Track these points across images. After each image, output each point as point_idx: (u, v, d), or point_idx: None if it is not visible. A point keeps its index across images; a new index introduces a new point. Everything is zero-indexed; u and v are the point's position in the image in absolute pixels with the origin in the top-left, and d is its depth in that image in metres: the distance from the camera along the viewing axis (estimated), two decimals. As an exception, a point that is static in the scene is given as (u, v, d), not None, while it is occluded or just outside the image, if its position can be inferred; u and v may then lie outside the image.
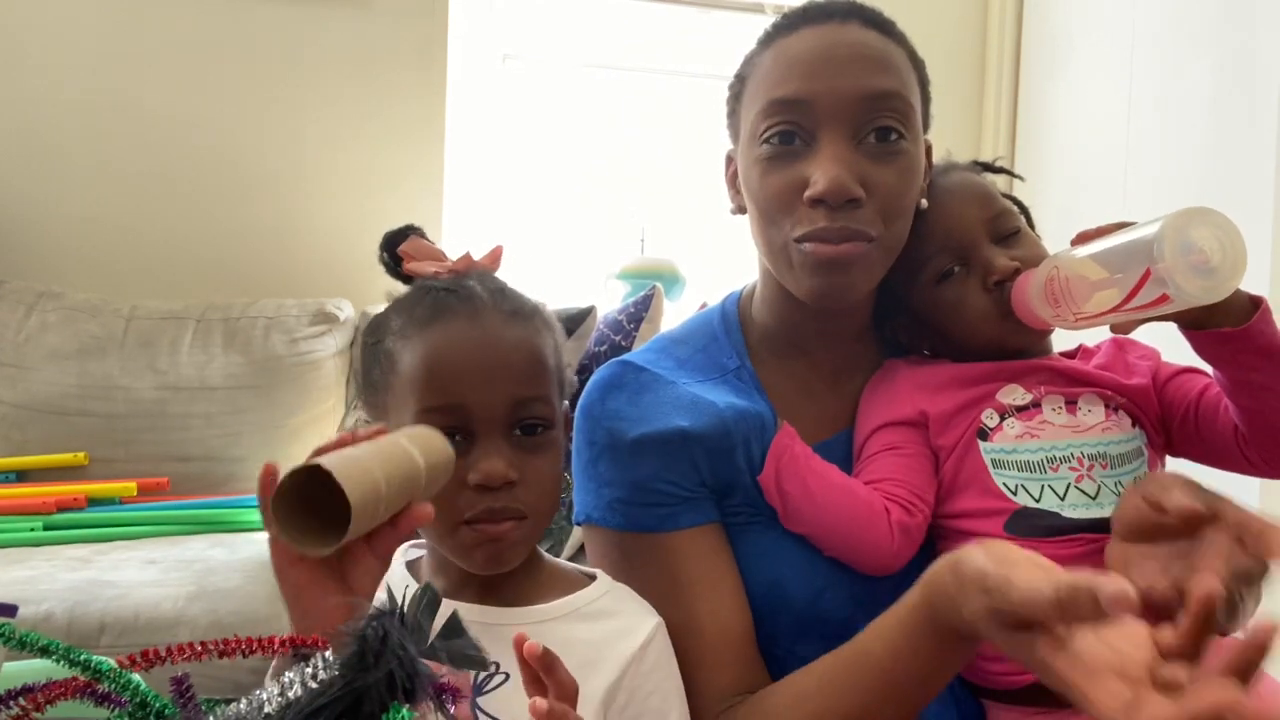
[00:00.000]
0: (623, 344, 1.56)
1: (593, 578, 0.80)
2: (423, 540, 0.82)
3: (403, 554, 0.82)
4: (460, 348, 0.73)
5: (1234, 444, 0.81)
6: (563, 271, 2.46)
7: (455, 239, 2.30)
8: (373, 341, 0.79)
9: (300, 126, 2.21)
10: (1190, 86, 1.93)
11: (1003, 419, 0.82)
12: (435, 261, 0.80)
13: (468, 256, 0.81)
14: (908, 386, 0.86)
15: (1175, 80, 1.98)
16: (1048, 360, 0.86)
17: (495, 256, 0.82)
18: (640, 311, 1.60)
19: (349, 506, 0.53)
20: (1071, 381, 0.83)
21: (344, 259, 2.21)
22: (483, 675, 0.73)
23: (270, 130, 2.20)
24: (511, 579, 0.76)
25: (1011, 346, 0.85)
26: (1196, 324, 0.74)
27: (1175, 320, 0.76)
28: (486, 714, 0.72)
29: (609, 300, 2.14)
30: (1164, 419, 0.85)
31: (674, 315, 1.86)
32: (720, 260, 2.48)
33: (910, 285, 0.87)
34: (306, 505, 0.56)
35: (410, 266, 0.80)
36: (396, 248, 0.81)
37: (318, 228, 2.22)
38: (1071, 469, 0.79)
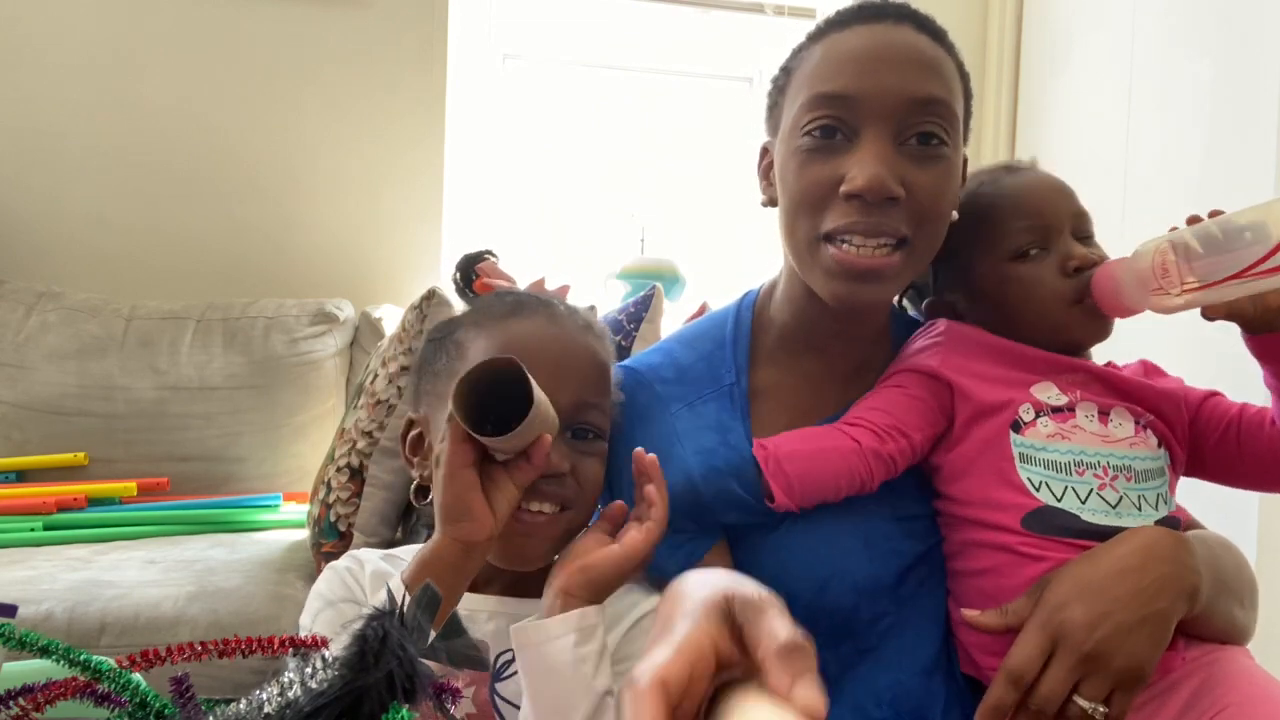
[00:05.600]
0: (623, 344, 1.56)
1: None
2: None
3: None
4: (537, 340, 0.76)
5: (1273, 458, 0.82)
6: (563, 271, 2.46)
7: (455, 239, 2.30)
8: (440, 336, 0.81)
9: (300, 126, 2.21)
10: (1190, 86, 1.93)
11: (1038, 416, 0.82)
12: (507, 283, 0.86)
13: (541, 281, 0.87)
14: (947, 343, 0.86)
15: (1175, 80, 1.98)
16: (1087, 363, 0.86)
17: (563, 292, 0.87)
18: (640, 311, 1.60)
19: (520, 412, 0.62)
20: (1107, 390, 0.84)
21: (344, 259, 2.21)
22: (501, 661, 0.74)
23: (271, 130, 2.20)
24: (536, 572, 0.77)
25: (1068, 337, 0.85)
26: (1268, 326, 0.76)
27: (1242, 324, 0.76)
28: (505, 699, 0.73)
29: (609, 300, 2.14)
30: (1195, 440, 0.85)
31: (674, 315, 1.86)
32: (720, 260, 2.48)
33: (979, 257, 0.88)
34: (480, 412, 0.64)
35: (484, 282, 0.84)
36: (470, 268, 0.86)
37: (318, 228, 2.22)
38: (1096, 476, 0.79)
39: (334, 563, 0.81)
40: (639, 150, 2.61)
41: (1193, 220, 0.76)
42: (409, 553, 0.81)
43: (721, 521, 0.84)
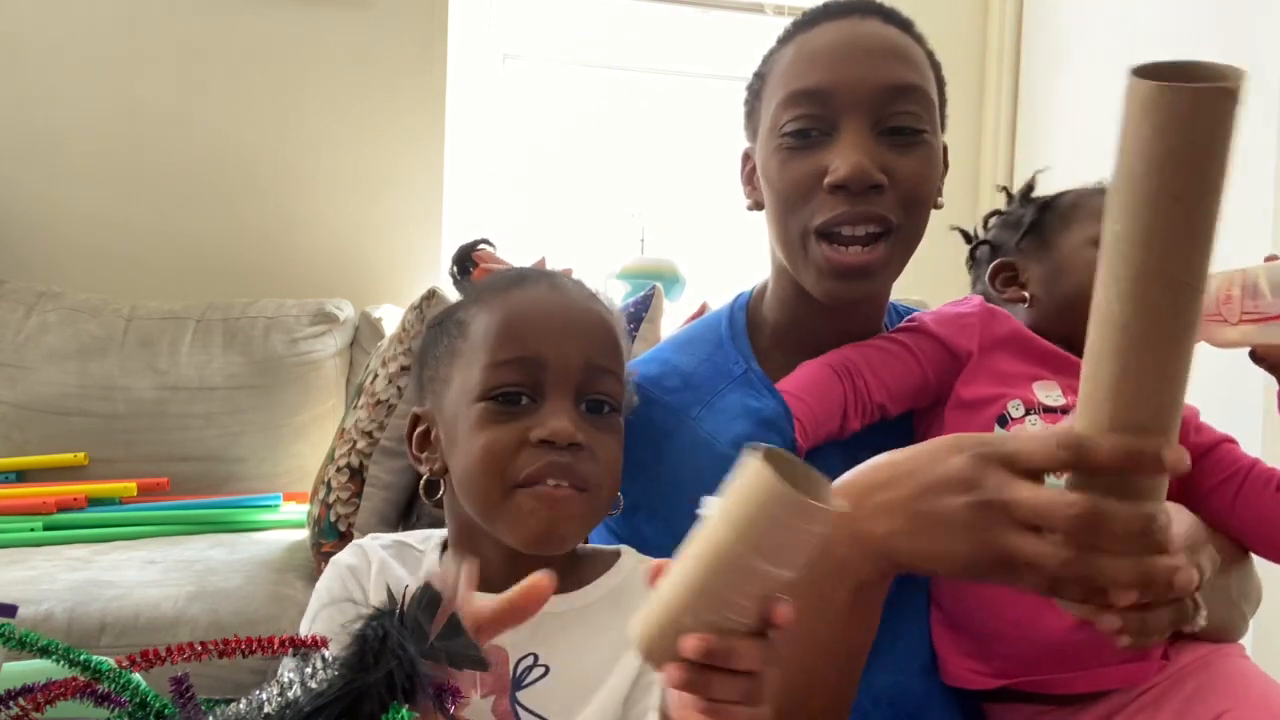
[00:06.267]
0: (623, 344, 1.56)
1: (618, 554, 0.77)
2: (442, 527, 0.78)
3: (437, 549, 0.77)
4: (541, 305, 0.73)
5: (1272, 521, 0.81)
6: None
7: (455, 239, 2.30)
8: (439, 321, 0.78)
9: (301, 127, 2.21)
10: (1190, 86, 1.93)
11: (1027, 413, 0.82)
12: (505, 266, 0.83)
13: (541, 262, 0.85)
14: (979, 324, 0.86)
15: (1175, 80, 1.98)
16: None
17: (565, 274, 0.84)
18: (640, 311, 1.60)
19: None
20: None
21: (344, 259, 2.21)
22: (522, 668, 0.70)
23: (271, 130, 2.20)
24: (551, 565, 0.71)
25: None
26: None
27: (1272, 369, 0.76)
28: (526, 709, 0.70)
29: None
30: (1192, 480, 0.83)
31: (674, 315, 1.86)
32: (720, 260, 2.48)
33: (1073, 230, 0.89)
34: None
35: (483, 269, 0.82)
36: (466, 258, 0.84)
37: (318, 228, 2.22)
38: None
39: (337, 557, 0.77)
40: (639, 150, 2.61)
41: (1270, 259, 0.76)
42: (421, 539, 0.78)
43: None
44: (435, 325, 0.79)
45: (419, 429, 0.76)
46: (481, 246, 0.85)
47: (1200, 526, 0.64)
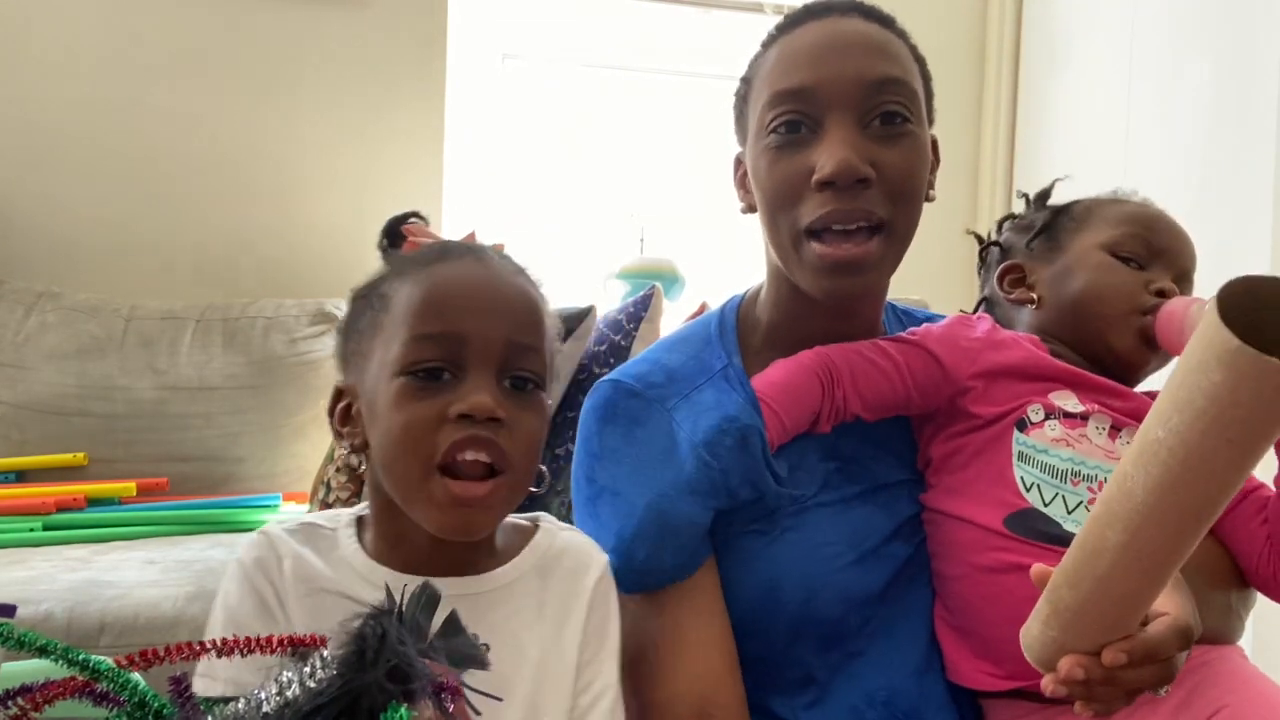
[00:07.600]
0: (622, 343, 1.56)
1: (536, 526, 0.79)
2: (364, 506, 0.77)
3: (350, 526, 0.75)
4: (464, 280, 0.72)
5: (1256, 553, 0.81)
6: (562, 271, 2.46)
7: (455, 239, 2.30)
8: (365, 293, 0.77)
9: (300, 127, 2.21)
10: (1190, 86, 1.93)
11: (1047, 417, 0.82)
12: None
13: (471, 235, 0.83)
14: (981, 345, 0.86)
15: (1175, 80, 1.98)
16: (1116, 385, 0.85)
17: (498, 249, 0.83)
18: (640, 311, 1.60)
19: None
20: (1127, 411, 0.83)
21: (344, 259, 2.21)
22: None
23: (270, 130, 2.20)
24: (469, 544, 0.72)
25: (1118, 347, 0.85)
26: None
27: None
28: (474, 690, 0.69)
29: (608, 300, 2.14)
30: None
31: (673, 315, 1.86)
32: (720, 260, 2.48)
33: (1082, 235, 0.89)
34: None
35: (412, 242, 0.81)
36: (394, 231, 0.83)
37: (318, 228, 2.22)
38: (1090, 490, 0.79)
39: (242, 554, 0.72)
40: (638, 150, 2.61)
41: None
42: (330, 518, 0.76)
43: (733, 504, 0.83)
44: (359, 298, 0.77)
45: (341, 404, 0.75)
46: (413, 220, 0.84)
47: (1191, 615, 0.63)
